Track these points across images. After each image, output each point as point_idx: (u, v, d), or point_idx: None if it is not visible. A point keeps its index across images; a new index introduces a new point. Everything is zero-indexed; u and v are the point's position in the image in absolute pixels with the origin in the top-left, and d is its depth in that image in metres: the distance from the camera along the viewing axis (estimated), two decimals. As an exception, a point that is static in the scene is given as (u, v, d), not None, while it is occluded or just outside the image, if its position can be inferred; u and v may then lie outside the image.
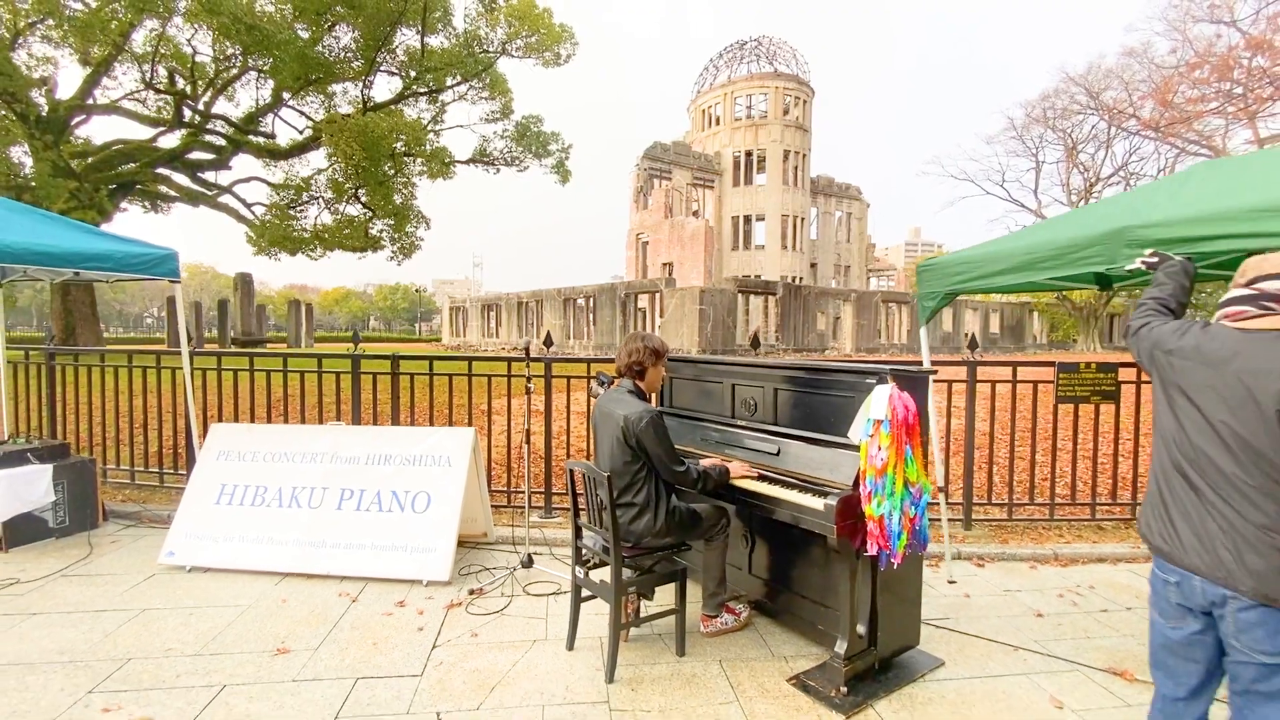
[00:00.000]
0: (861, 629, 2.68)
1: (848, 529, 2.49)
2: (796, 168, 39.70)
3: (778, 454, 2.95)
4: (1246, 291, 1.66)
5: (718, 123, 40.65)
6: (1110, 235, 2.18)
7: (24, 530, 4.27)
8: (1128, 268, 2.20)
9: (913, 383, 2.61)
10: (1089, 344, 32.22)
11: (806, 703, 2.56)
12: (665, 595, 3.13)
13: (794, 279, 34.86)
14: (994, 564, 4.13)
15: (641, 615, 3.10)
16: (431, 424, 5.13)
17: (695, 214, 39.40)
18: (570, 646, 2.97)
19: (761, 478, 2.89)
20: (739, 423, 3.27)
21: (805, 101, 40.13)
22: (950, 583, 3.83)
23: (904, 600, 2.85)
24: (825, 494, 2.57)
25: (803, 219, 40.10)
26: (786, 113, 39.16)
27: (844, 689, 2.57)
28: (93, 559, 4.08)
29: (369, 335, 69.09)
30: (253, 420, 5.28)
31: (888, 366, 2.59)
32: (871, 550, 2.47)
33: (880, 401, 2.46)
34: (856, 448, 2.55)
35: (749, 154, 39.33)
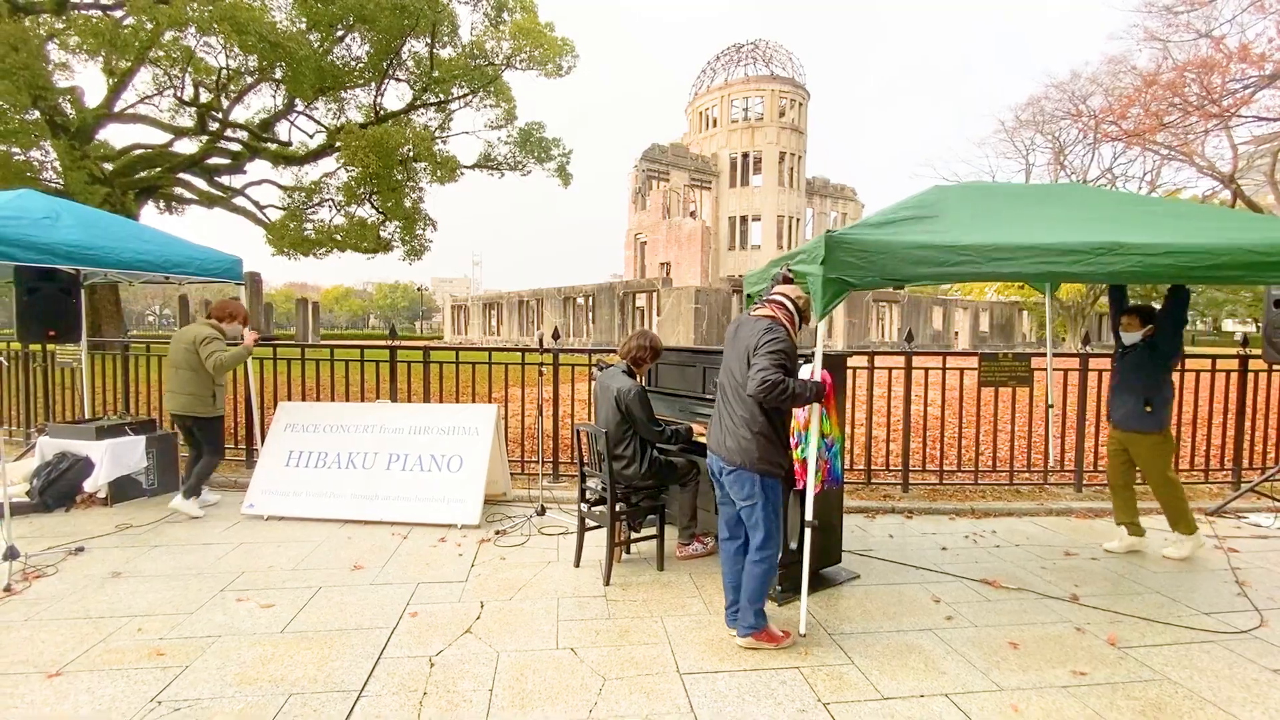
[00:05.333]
0: (794, 545, 3.59)
1: (781, 469, 3.40)
2: (792, 169, 40.62)
3: (735, 419, 3.86)
4: (766, 297, 2.98)
5: (715, 125, 41.53)
6: (769, 265, 3.79)
7: (124, 489, 5.17)
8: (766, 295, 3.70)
9: (832, 362, 3.53)
10: (1076, 342, 33.12)
11: (751, 597, 3.48)
12: (650, 534, 4.04)
13: (788, 278, 35.63)
14: (921, 516, 5.05)
15: (630, 540, 4.01)
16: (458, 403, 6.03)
17: (692, 215, 40.29)
18: (577, 564, 3.89)
19: (722, 436, 3.80)
20: (709, 397, 4.19)
21: (801, 104, 41.02)
22: (890, 537, 4.67)
23: (827, 527, 3.77)
24: (766, 445, 3.47)
25: (798, 219, 41.04)
26: (782, 115, 40.05)
27: (779, 587, 3.49)
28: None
29: (371, 333, 69.94)
30: (303, 400, 6.18)
31: (811, 351, 3.50)
32: (800, 485, 3.38)
33: (804, 375, 3.37)
34: (789, 410, 3.46)
35: (745, 155, 40.23)
